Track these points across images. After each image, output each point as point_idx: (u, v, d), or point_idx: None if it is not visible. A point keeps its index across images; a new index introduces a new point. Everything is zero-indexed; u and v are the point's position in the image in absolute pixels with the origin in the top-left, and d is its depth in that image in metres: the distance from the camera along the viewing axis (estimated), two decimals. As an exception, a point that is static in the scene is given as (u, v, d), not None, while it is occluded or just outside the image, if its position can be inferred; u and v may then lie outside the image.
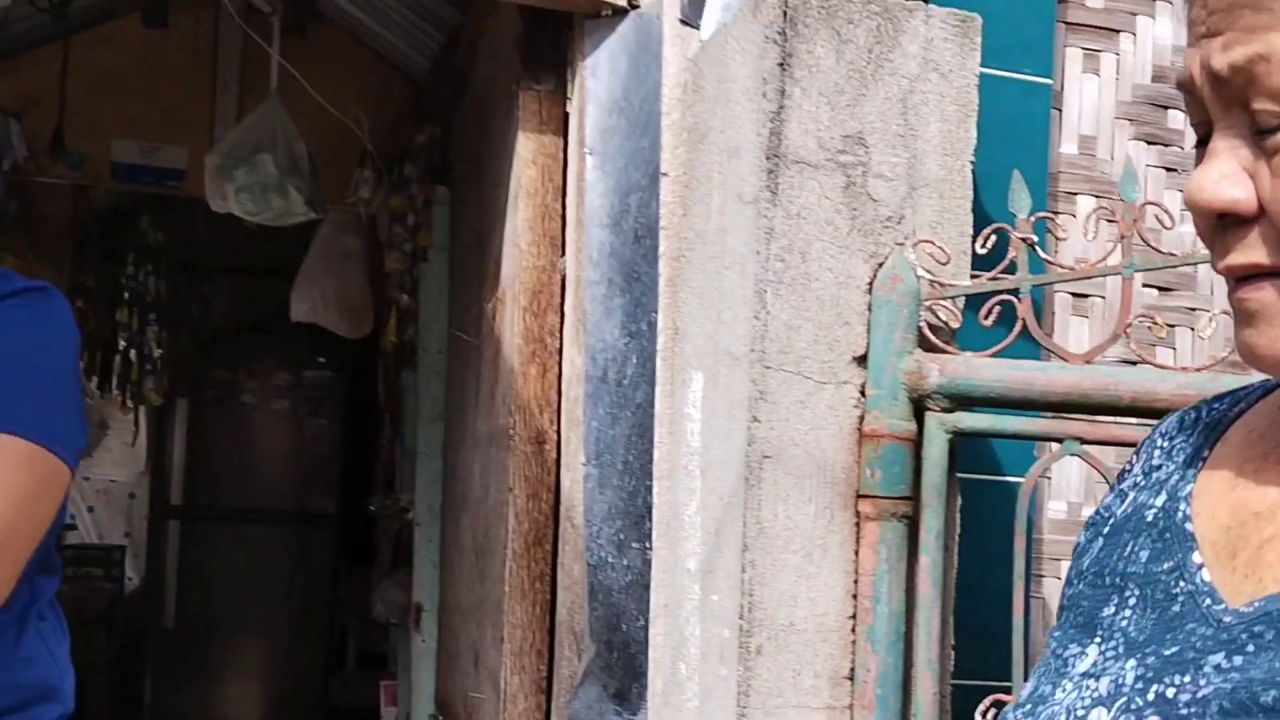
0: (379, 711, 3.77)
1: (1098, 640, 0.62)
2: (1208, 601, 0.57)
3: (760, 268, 1.43)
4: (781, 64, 1.43)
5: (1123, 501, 0.67)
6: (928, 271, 1.43)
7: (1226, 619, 0.56)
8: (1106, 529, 0.66)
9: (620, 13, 1.80)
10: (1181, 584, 0.59)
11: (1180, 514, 0.61)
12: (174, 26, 3.75)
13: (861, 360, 1.43)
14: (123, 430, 6.12)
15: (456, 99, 2.94)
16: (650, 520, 1.71)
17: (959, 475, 1.46)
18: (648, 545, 1.71)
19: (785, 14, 1.43)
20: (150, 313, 5.33)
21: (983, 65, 1.54)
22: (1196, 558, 0.59)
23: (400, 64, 3.72)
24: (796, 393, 1.42)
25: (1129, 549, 0.63)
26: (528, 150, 1.92)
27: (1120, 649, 0.60)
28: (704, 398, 1.58)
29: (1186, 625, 0.57)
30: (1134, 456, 0.69)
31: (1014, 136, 1.71)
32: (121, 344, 5.27)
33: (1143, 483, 0.66)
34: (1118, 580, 0.63)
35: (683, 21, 1.74)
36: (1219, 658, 0.55)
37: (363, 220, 3.59)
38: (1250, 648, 0.54)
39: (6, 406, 1.41)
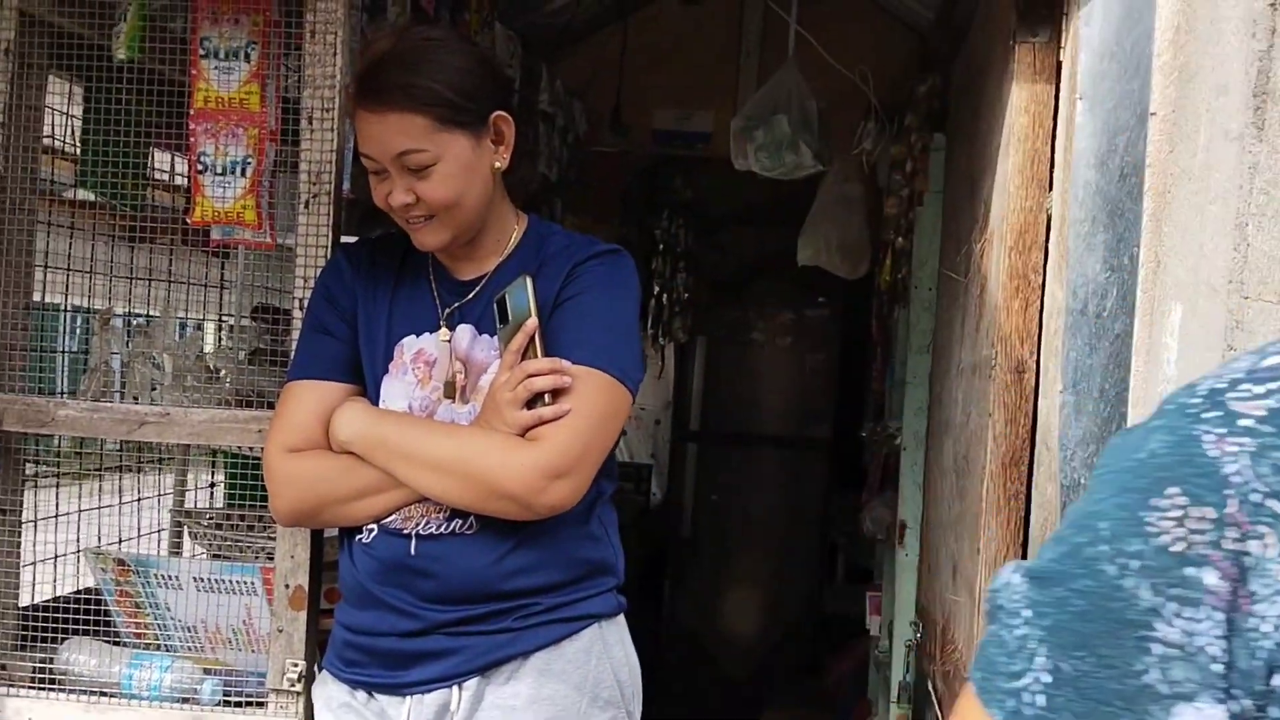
0: (864, 620, 3.95)
1: None
2: None
3: (1242, 201, 1.42)
4: (1273, 4, 1.40)
5: None
6: None
7: None
8: None
9: (1115, -38, 1.80)
10: None
11: None
12: (707, 2, 4.06)
13: (1349, 290, 1.38)
14: (652, 364, 6.65)
15: (956, 50, 2.99)
16: (1124, 443, 1.73)
17: None
18: (1121, 467, 1.74)
19: (1280, -48, 1.39)
20: (680, 261, 5.79)
21: None
22: None
23: (906, 18, 3.80)
24: (1275, 322, 1.40)
25: None
26: (1021, 99, 1.96)
27: None
28: (1181, 328, 1.58)
29: None
30: None
31: None
32: (655, 289, 5.76)
33: None
34: None
35: (1178, -35, 1.71)
36: None
37: (864, 169, 3.74)
38: None
39: (591, 346, 1.70)
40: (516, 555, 1.73)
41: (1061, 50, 1.92)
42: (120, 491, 2.73)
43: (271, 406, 2.12)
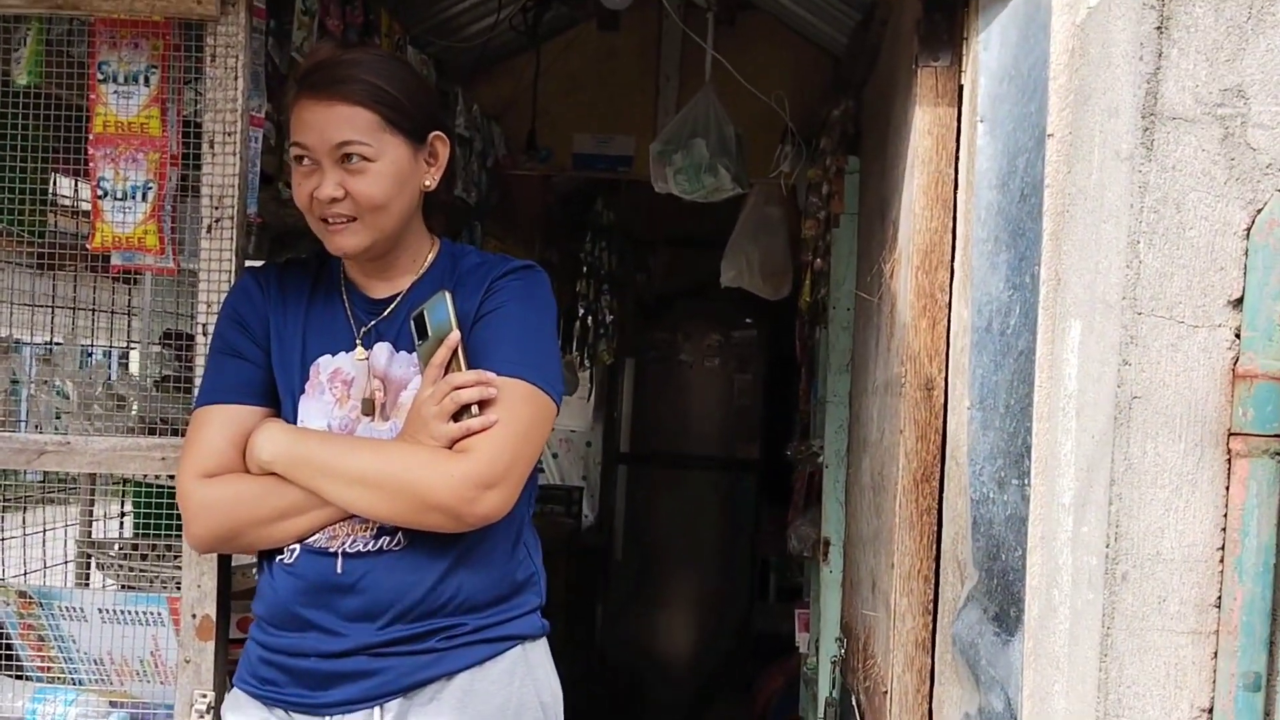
0: (794, 637, 3.97)
1: None
2: None
3: (1134, 220, 1.44)
4: (1159, 27, 1.43)
5: None
6: (1310, 218, 1.39)
7: None
8: None
9: (1012, -13, 1.84)
10: None
11: None
12: (624, 29, 4.09)
13: (1237, 304, 1.41)
14: (580, 387, 6.65)
15: (869, 73, 3.03)
16: (1029, 459, 1.75)
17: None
18: (1026, 482, 1.76)
19: (1164, -24, 1.43)
20: (604, 283, 5.79)
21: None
22: None
23: (820, 42, 3.85)
24: (1168, 336, 1.43)
25: None
26: (924, 122, 1.99)
27: None
28: (1081, 344, 1.61)
29: None
30: None
31: None
32: (580, 311, 5.76)
33: None
34: None
35: (1072, -10, 1.75)
36: None
37: (783, 191, 3.77)
38: None
39: (514, 357, 1.70)
40: (446, 572, 1.72)
41: (962, 74, 1.96)
42: (24, 523, 2.65)
43: (178, 433, 2.08)
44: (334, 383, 1.78)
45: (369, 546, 1.72)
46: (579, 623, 6.15)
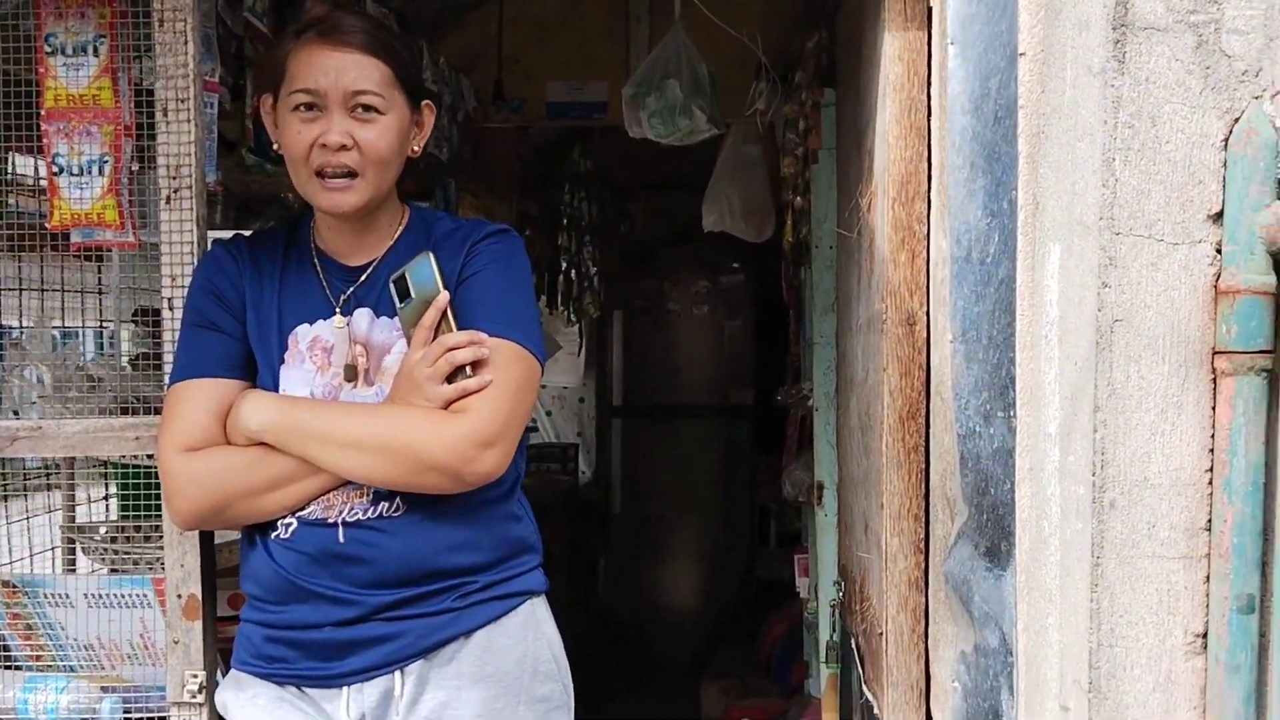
0: (795, 582, 3.96)
1: None
2: None
3: (1108, 137, 1.41)
4: (1126, -68, 1.38)
5: None
6: (1289, 124, 1.35)
7: None
8: None
9: (976, -98, 1.79)
10: None
11: None
12: (589, -31, 4.01)
13: (1217, 218, 1.38)
14: (569, 342, 6.67)
15: (840, 1, 2.96)
16: (1014, 390, 1.73)
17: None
18: (1012, 414, 1.73)
19: (1130, -119, 1.38)
20: (585, 234, 5.73)
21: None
22: None
23: (792, -29, 3.77)
24: (1147, 256, 1.40)
25: None
26: (893, 48, 1.94)
27: None
28: (1061, 268, 1.57)
29: None
30: None
31: None
32: (563, 264, 5.71)
33: None
34: None
35: (1037, -98, 1.70)
36: None
37: (760, 129, 3.72)
38: None
39: (501, 318, 1.71)
40: (449, 533, 1.72)
41: (931, -4, 1.91)
42: (6, 512, 2.63)
43: (154, 412, 2.05)
44: (314, 351, 1.76)
45: (368, 514, 1.71)
46: (580, 579, 6.17)
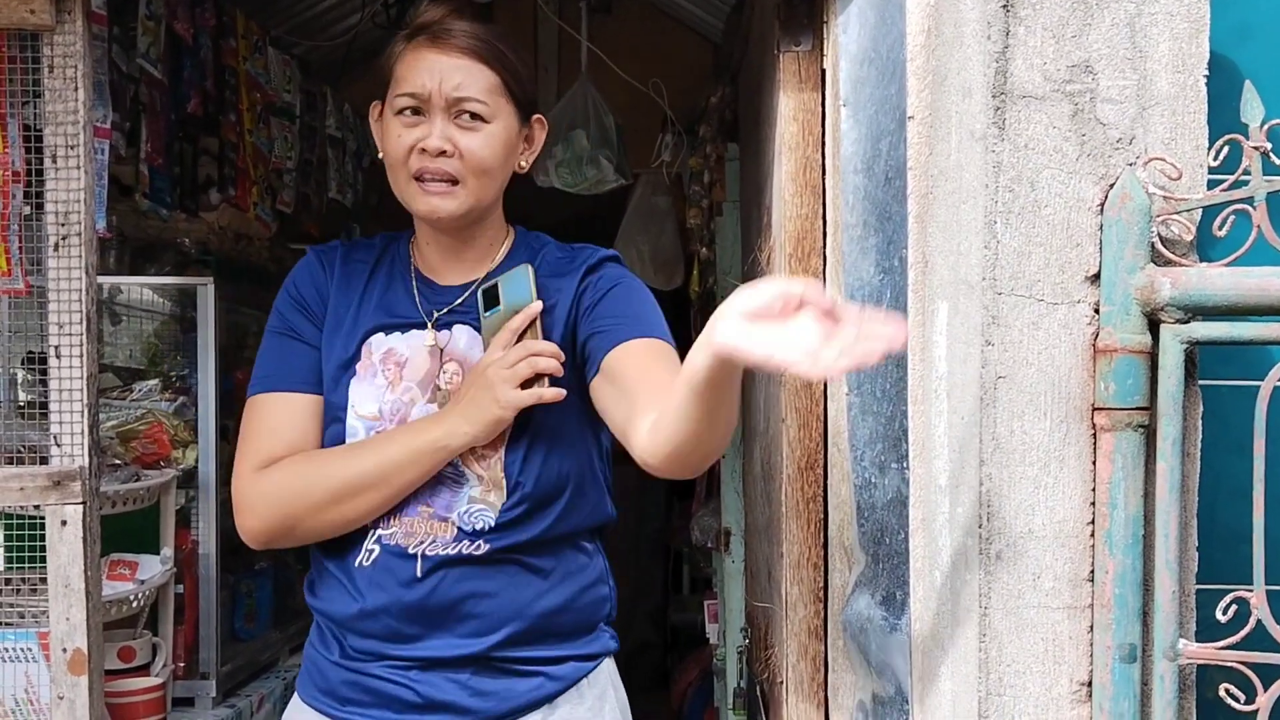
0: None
1: None
2: None
3: (990, 200, 1.45)
4: (1005, 6, 1.44)
5: None
6: (1160, 188, 1.41)
7: None
8: None
9: (868, -32, 1.84)
10: None
11: None
12: (498, 20, 4.04)
13: (1094, 279, 1.43)
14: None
15: (743, 59, 3.02)
16: (906, 442, 1.76)
17: (1202, 382, 1.44)
18: (905, 465, 1.76)
19: (1008, -45, 1.43)
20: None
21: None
22: None
23: (697, 27, 3.84)
24: (1028, 315, 1.44)
25: None
26: (788, 108, 1.98)
27: None
28: (949, 325, 1.61)
29: None
30: None
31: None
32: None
33: None
34: None
35: (926, -30, 1.75)
36: None
37: (667, 181, 3.76)
38: None
39: (652, 323, 1.65)
40: (541, 581, 1.64)
41: (824, 58, 1.95)
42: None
43: (42, 461, 1.99)
44: (387, 364, 1.66)
45: (449, 550, 1.61)
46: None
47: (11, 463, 2.08)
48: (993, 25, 1.44)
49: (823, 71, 1.96)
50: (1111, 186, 1.42)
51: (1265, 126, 1.35)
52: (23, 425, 2.30)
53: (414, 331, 1.66)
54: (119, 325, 3.27)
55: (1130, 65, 1.43)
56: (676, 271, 4.19)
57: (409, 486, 1.60)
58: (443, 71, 1.60)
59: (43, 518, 2.01)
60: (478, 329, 1.66)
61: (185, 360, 3.19)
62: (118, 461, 2.98)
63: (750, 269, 2.56)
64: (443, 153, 1.59)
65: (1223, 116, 1.44)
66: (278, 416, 1.63)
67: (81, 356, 1.95)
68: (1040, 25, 1.43)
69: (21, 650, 2.06)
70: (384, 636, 1.62)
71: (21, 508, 2.15)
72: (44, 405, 2.14)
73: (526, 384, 1.57)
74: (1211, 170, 1.43)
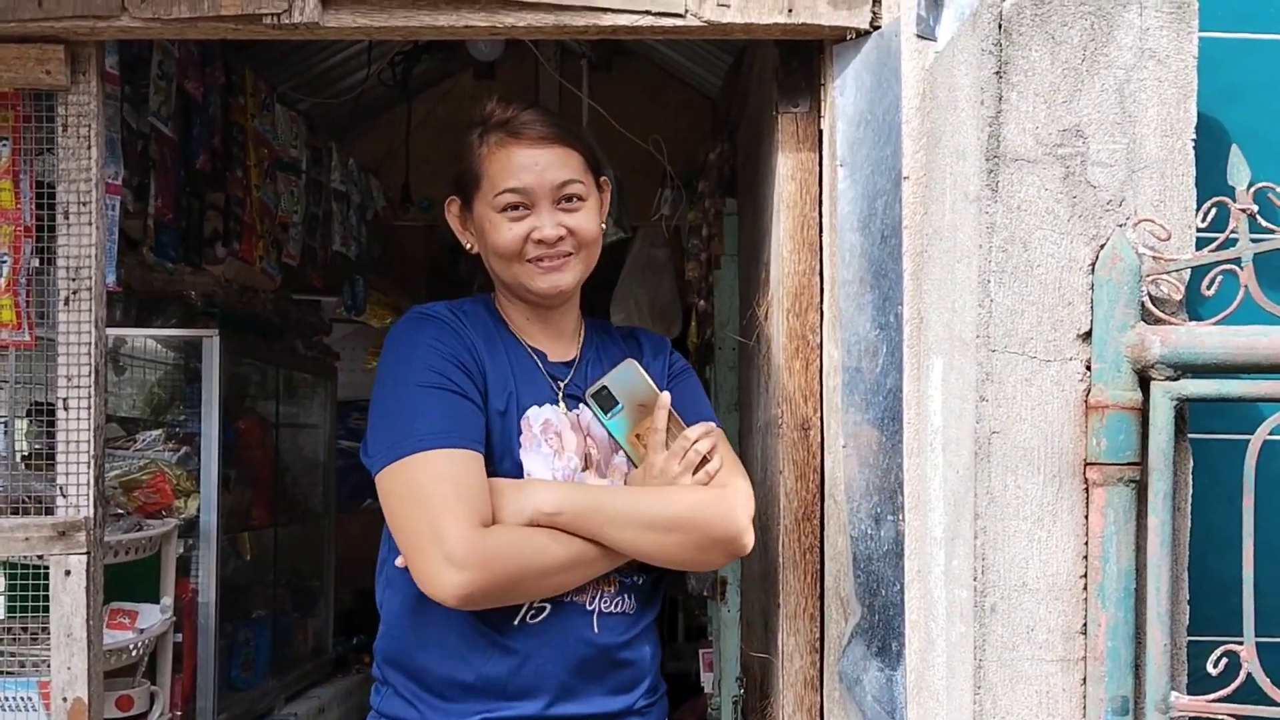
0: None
1: None
2: None
3: (984, 260, 1.48)
4: (998, 72, 1.47)
5: None
6: (1150, 249, 1.44)
7: None
8: None
9: (863, 35, 1.88)
10: None
11: None
12: (500, 77, 4.09)
13: (1086, 337, 1.45)
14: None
15: (741, 116, 3.07)
16: (902, 495, 1.78)
17: (1192, 436, 1.46)
18: (901, 517, 1.78)
19: (1000, 26, 1.47)
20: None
21: (1233, 30, 1.53)
22: None
23: (697, 85, 3.90)
24: (1022, 372, 1.46)
25: None
26: (786, 167, 2.02)
27: None
28: (943, 381, 1.64)
29: None
30: None
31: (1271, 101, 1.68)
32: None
33: None
34: None
35: (920, 36, 1.80)
36: None
37: (666, 234, 3.80)
38: None
39: (706, 407, 1.82)
40: (654, 638, 1.76)
41: (822, 119, 1.99)
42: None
43: (46, 511, 2.00)
44: (547, 434, 1.71)
45: (611, 607, 1.70)
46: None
47: (16, 513, 2.08)
48: (986, 90, 1.47)
49: (820, 132, 1.99)
50: (1102, 247, 1.45)
51: (1251, 189, 1.38)
52: (27, 475, 2.31)
53: (549, 405, 1.73)
54: (123, 375, 3.28)
55: (1120, 129, 1.46)
56: (675, 322, 4.22)
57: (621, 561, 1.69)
58: (539, 165, 1.69)
59: (45, 567, 2.02)
60: (585, 402, 1.75)
61: (188, 410, 3.20)
62: (120, 511, 2.98)
63: (749, 323, 2.59)
64: (561, 237, 1.70)
65: (1211, 175, 1.47)
66: (478, 476, 1.62)
67: (89, 408, 1.97)
68: (1032, 91, 1.47)
69: (22, 700, 2.06)
70: (532, 694, 1.66)
71: (24, 557, 2.16)
72: (49, 455, 2.15)
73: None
74: (1200, 231, 1.46)
